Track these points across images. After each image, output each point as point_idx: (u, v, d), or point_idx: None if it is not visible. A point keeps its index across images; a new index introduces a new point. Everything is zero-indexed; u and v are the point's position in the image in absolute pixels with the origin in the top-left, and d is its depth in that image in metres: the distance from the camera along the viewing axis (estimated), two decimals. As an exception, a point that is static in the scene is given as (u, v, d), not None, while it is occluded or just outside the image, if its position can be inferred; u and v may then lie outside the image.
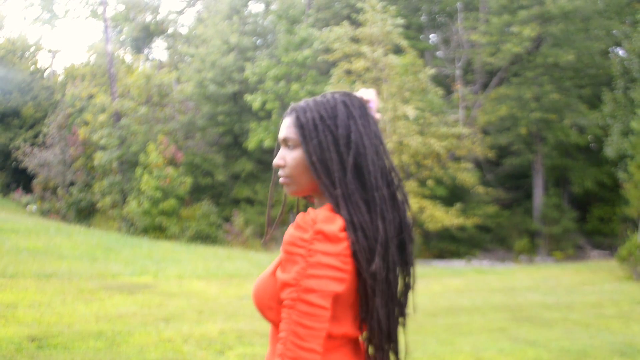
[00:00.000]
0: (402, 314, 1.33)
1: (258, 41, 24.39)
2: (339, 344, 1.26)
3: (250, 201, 20.65)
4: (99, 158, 21.02)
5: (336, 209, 1.23)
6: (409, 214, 1.31)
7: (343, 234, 1.19)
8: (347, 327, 1.26)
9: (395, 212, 1.28)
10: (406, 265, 1.32)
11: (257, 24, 25.05)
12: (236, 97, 22.46)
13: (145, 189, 17.85)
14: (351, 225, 1.20)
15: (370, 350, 1.32)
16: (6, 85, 27.23)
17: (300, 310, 1.13)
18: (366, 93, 1.37)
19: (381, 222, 1.23)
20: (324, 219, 1.19)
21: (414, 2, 24.10)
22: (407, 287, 1.33)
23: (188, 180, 18.49)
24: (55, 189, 23.71)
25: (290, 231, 1.18)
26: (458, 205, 16.76)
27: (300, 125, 1.28)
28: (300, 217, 1.20)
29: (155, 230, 17.68)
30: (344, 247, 1.18)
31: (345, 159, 1.25)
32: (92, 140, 21.93)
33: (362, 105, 1.32)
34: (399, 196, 1.30)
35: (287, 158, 1.31)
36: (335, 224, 1.19)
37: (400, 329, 1.33)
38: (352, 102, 1.31)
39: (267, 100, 19.43)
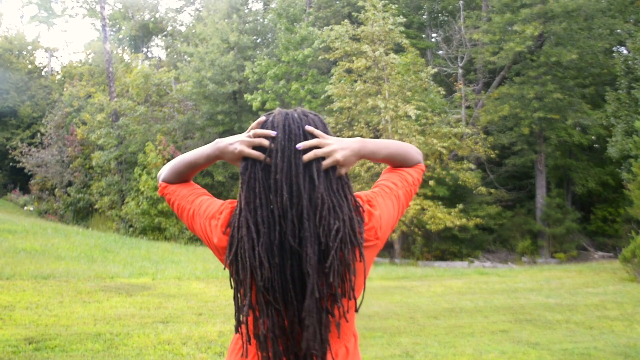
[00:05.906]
0: None
1: (258, 40, 24.29)
2: None
3: (249, 201, 20.52)
4: (97, 158, 20.95)
5: None
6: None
7: None
8: None
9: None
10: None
11: (256, 22, 24.98)
12: (236, 96, 22.37)
13: (144, 189, 17.74)
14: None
15: None
16: (3, 84, 27.13)
17: None
18: None
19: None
20: None
21: (416, 1, 24.05)
22: None
23: (187, 180, 18.39)
24: (52, 189, 23.62)
25: None
26: (460, 206, 16.66)
27: None
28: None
29: (154, 231, 17.57)
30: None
31: None
32: (90, 140, 21.85)
33: None
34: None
35: None
36: None
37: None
38: None
39: (266, 99, 19.31)
